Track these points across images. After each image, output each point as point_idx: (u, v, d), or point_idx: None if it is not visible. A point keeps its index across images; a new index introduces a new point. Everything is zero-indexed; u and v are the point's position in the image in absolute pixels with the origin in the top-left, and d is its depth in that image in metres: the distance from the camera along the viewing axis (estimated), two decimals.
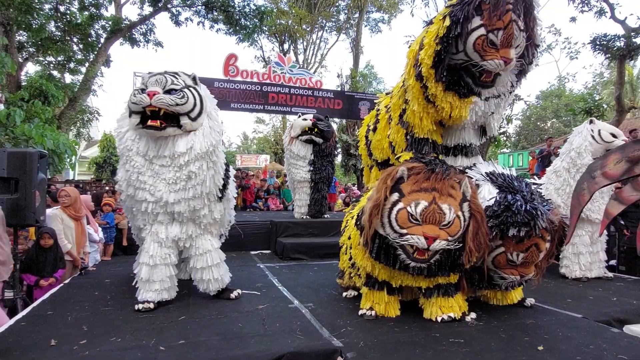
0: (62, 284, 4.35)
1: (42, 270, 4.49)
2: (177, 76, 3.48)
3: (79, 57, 16.62)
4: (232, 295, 3.83)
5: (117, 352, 2.61)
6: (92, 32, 16.01)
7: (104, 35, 15.96)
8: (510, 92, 3.58)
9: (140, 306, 3.45)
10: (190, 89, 3.47)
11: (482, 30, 3.12)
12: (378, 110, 4.39)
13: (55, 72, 16.75)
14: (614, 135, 5.02)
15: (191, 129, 3.44)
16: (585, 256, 5.13)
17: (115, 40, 16.10)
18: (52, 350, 2.63)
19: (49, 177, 9.88)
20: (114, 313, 3.41)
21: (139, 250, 3.76)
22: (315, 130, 7.34)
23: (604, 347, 2.80)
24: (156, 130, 3.32)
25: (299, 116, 7.81)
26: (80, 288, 4.22)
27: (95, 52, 15.78)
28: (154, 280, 3.52)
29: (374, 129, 4.34)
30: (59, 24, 15.43)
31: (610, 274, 5.29)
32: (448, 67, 3.33)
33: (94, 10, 15.70)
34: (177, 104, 3.32)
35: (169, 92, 3.34)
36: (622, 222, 5.97)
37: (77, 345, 2.69)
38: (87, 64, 15.93)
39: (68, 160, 11.33)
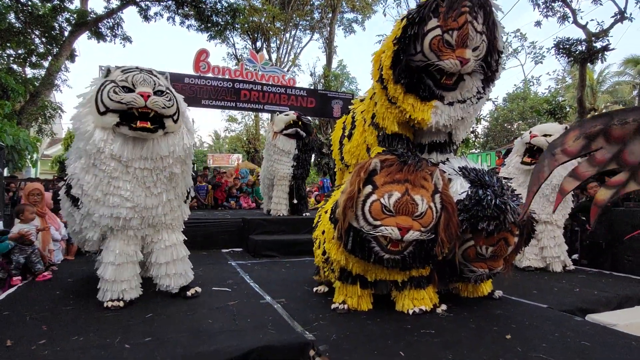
0: (20, 284, 4.13)
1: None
2: (158, 76, 3.39)
3: (41, 50, 15.91)
4: (189, 293, 3.65)
5: (79, 351, 2.49)
6: (56, 25, 15.35)
7: (69, 29, 15.33)
8: (478, 99, 3.57)
9: (110, 304, 3.32)
10: (170, 90, 3.39)
11: (438, 31, 3.19)
12: (354, 117, 4.41)
13: (15, 66, 15.99)
14: (529, 132, 5.46)
15: (171, 131, 3.35)
16: (532, 247, 5.31)
17: (81, 34, 15.49)
18: (7, 351, 2.48)
19: (8, 174, 9.42)
20: (77, 312, 3.26)
21: (105, 247, 3.50)
22: (300, 123, 7.33)
23: (568, 335, 2.90)
24: (149, 133, 3.18)
25: (277, 114, 7.80)
26: (41, 287, 4.02)
27: (59, 46, 15.14)
28: (120, 280, 3.38)
29: (349, 136, 4.36)
30: (20, 16, 14.73)
31: (572, 266, 5.50)
32: (409, 70, 3.37)
33: (58, 2, 15.05)
34: (166, 107, 3.23)
35: (156, 93, 3.23)
36: (583, 218, 6.21)
37: (35, 345, 2.55)
38: (50, 58, 15.26)
39: (29, 157, 10.84)
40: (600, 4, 12.97)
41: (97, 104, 3.17)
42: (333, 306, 3.40)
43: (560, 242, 5.50)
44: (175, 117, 3.33)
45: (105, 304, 3.33)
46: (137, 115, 3.14)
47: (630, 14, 12.63)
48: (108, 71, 3.34)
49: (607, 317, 3.53)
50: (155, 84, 3.27)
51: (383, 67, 3.45)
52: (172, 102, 3.28)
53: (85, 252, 4.09)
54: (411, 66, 3.38)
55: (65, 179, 3.62)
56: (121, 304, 3.34)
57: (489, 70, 3.47)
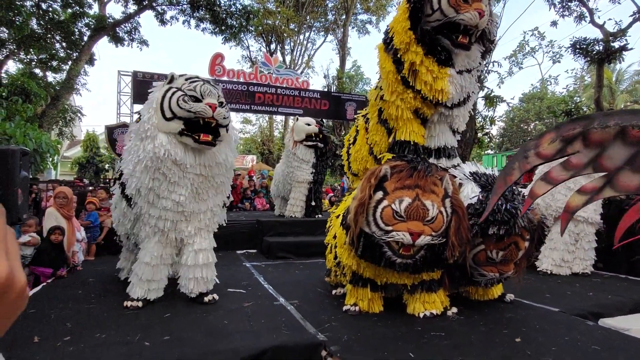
0: (44, 283, 4.30)
1: (54, 264, 4.57)
2: (218, 88, 3.53)
3: (62, 55, 16.35)
4: (206, 299, 3.65)
5: (102, 347, 2.62)
6: (75, 30, 15.75)
7: (88, 33, 15.73)
8: (478, 70, 3.70)
9: (129, 304, 3.44)
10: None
11: None
12: (357, 125, 4.46)
13: (37, 70, 16.46)
14: None
15: (223, 140, 3.51)
16: (561, 253, 5.31)
17: (99, 39, 15.88)
18: (34, 347, 2.62)
19: (30, 176, 9.70)
20: (98, 310, 3.40)
21: (141, 247, 3.64)
22: (321, 136, 7.47)
23: (579, 339, 2.91)
24: (210, 146, 3.36)
25: (296, 119, 7.89)
26: (64, 287, 4.18)
27: (79, 51, 15.54)
28: (153, 280, 3.50)
29: (354, 142, 4.41)
30: (41, 22, 15.16)
31: (589, 271, 5.46)
32: (424, 32, 3.43)
33: (77, 8, 15.46)
34: (226, 118, 3.41)
35: (219, 105, 3.39)
36: (601, 221, 6.14)
37: (60, 341, 2.68)
38: (70, 62, 15.68)
39: (50, 159, 11.15)
40: (619, 3, 12.76)
41: (162, 109, 3.31)
42: (345, 308, 3.47)
43: (592, 246, 5.49)
44: (228, 127, 3.52)
45: (125, 303, 3.45)
46: (202, 125, 3.29)
47: None
48: (172, 78, 3.47)
49: (620, 321, 3.50)
50: (219, 96, 3.43)
51: (396, 34, 3.49)
52: (229, 114, 3.49)
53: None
54: (426, 29, 3.44)
55: (120, 179, 3.84)
56: (140, 304, 3.45)
57: (487, 40, 3.59)
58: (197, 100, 3.30)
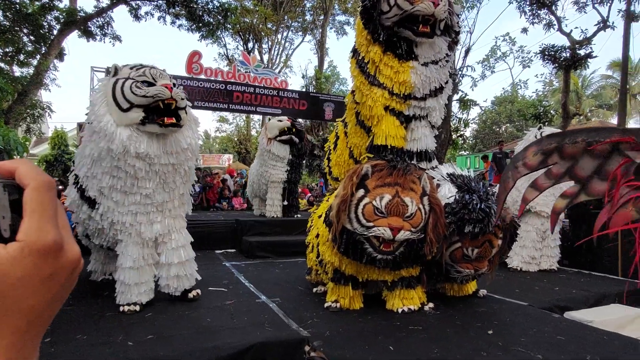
0: None
1: None
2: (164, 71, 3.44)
3: (30, 49, 15.78)
4: (190, 295, 3.66)
5: (85, 348, 2.61)
6: (45, 23, 15.23)
7: (58, 27, 15.23)
8: (446, 61, 3.79)
9: (127, 308, 3.31)
10: None
11: None
12: (337, 132, 4.55)
13: (2, 64, 15.83)
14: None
15: (184, 123, 3.37)
16: (529, 250, 5.56)
17: (70, 33, 15.39)
18: None
19: None
20: (78, 312, 3.35)
21: (120, 252, 3.45)
22: (294, 130, 7.48)
23: (546, 330, 3.10)
24: (177, 128, 3.25)
25: (269, 119, 7.93)
26: None
27: (48, 45, 15.04)
28: (140, 283, 3.38)
29: (334, 147, 4.50)
30: (7, 14, 14.59)
31: (555, 267, 5.74)
32: (385, 27, 3.55)
33: (47, 0, 14.95)
34: (183, 99, 3.31)
35: (173, 85, 3.27)
36: (565, 220, 6.47)
37: (41, 343, 2.65)
38: (38, 57, 15.15)
39: (18, 157, 10.79)
40: (585, 12, 13.37)
41: (117, 101, 3.15)
42: (326, 305, 3.56)
43: (558, 244, 5.74)
44: (186, 109, 3.39)
45: (121, 309, 3.32)
46: (162, 109, 3.15)
47: (613, 23, 13.05)
48: (116, 69, 3.33)
49: (584, 314, 3.74)
50: (169, 77, 3.33)
51: (357, 35, 3.67)
52: (184, 94, 3.35)
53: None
54: (386, 25, 3.56)
55: (76, 182, 3.65)
56: (137, 308, 3.34)
57: (453, 31, 3.71)
58: (150, 84, 3.17)
